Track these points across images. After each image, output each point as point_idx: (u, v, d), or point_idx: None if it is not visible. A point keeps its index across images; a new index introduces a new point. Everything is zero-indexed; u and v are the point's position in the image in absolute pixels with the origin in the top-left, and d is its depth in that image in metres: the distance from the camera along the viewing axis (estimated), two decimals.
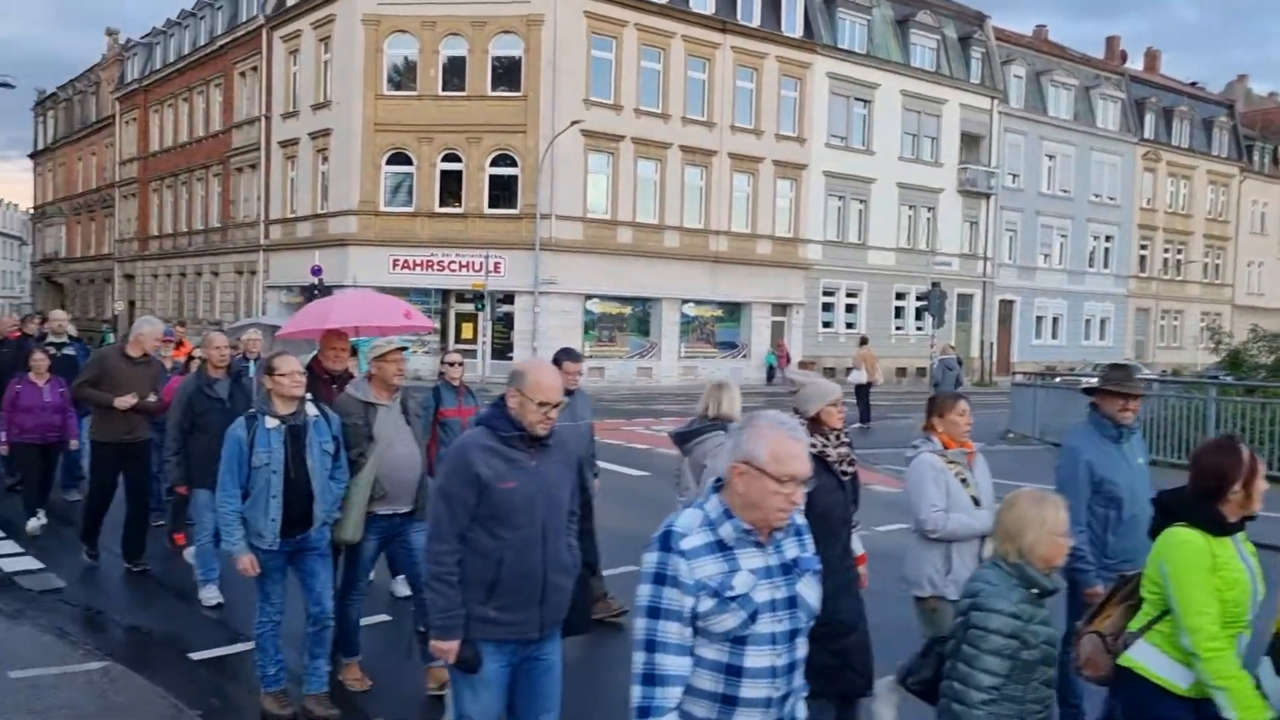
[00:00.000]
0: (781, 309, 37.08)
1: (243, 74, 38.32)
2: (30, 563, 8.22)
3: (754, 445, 2.52)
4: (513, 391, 3.58)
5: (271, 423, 4.97)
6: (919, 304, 36.98)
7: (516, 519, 3.52)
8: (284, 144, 35.34)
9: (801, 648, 2.63)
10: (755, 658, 2.51)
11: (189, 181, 42.83)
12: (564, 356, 6.60)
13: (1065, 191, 46.15)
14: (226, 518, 5.00)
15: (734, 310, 36.19)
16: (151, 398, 7.80)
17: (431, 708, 5.20)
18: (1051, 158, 45.52)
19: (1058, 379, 24.80)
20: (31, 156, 64.90)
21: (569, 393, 6.52)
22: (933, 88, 40.47)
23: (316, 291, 30.27)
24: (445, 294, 31.71)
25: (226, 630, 6.67)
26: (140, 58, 47.75)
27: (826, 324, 38.58)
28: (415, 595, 5.59)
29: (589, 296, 32.40)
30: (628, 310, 33.87)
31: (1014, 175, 44.14)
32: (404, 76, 31.62)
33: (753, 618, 2.49)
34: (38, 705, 5.19)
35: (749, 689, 2.50)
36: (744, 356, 36.19)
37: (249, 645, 6.36)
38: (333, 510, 5.18)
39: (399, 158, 31.47)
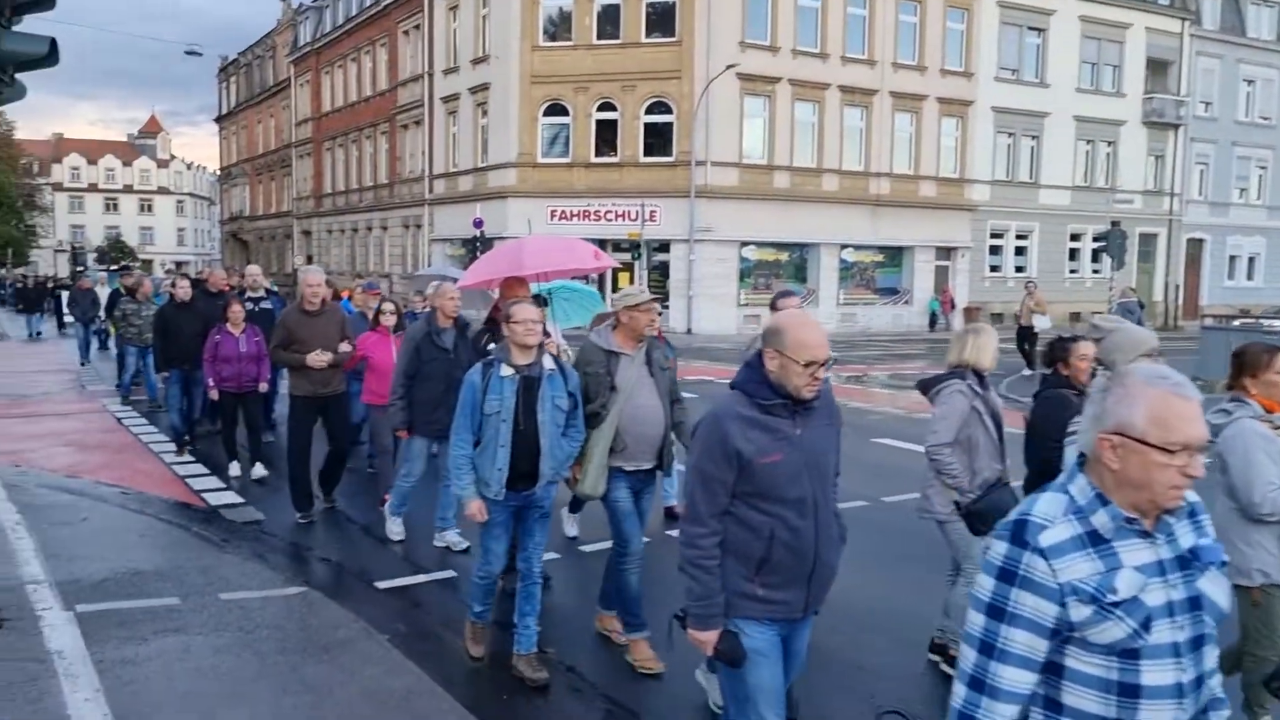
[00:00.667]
0: (946, 253, 35.69)
1: (406, 32, 39.39)
2: (232, 498, 8.80)
3: (1126, 409, 2.04)
4: (771, 352, 3.14)
5: (506, 371, 4.85)
6: (1096, 245, 34.94)
7: (784, 493, 3.17)
8: (446, 100, 36.21)
9: (1210, 658, 2.13)
10: (1154, 674, 2.02)
11: (358, 140, 44.56)
12: (781, 296, 6.38)
13: (1265, 119, 42.39)
14: (458, 461, 4.93)
15: (895, 255, 35.06)
16: (345, 346, 7.87)
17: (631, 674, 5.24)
18: (1250, 83, 41.85)
19: (1261, 322, 22.87)
20: (217, 121, 68.99)
21: None
22: (1116, 11, 37.71)
23: (479, 244, 31.17)
24: (601, 244, 31.65)
25: (409, 564, 6.94)
26: (311, 22, 49.76)
27: (994, 268, 36.93)
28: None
29: (745, 243, 32.01)
30: (784, 257, 33.32)
31: (1206, 103, 40.84)
32: (559, 27, 31.76)
33: (1145, 626, 2.00)
34: (246, 624, 5.52)
35: (1149, 713, 2.02)
36: (906, 303, 35.10)
37: (429, 577, 6.65)
38: (561, 469, 5.02)
39: (555, 109, 31.75)
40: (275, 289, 13.97)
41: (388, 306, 8.62)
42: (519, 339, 4.85)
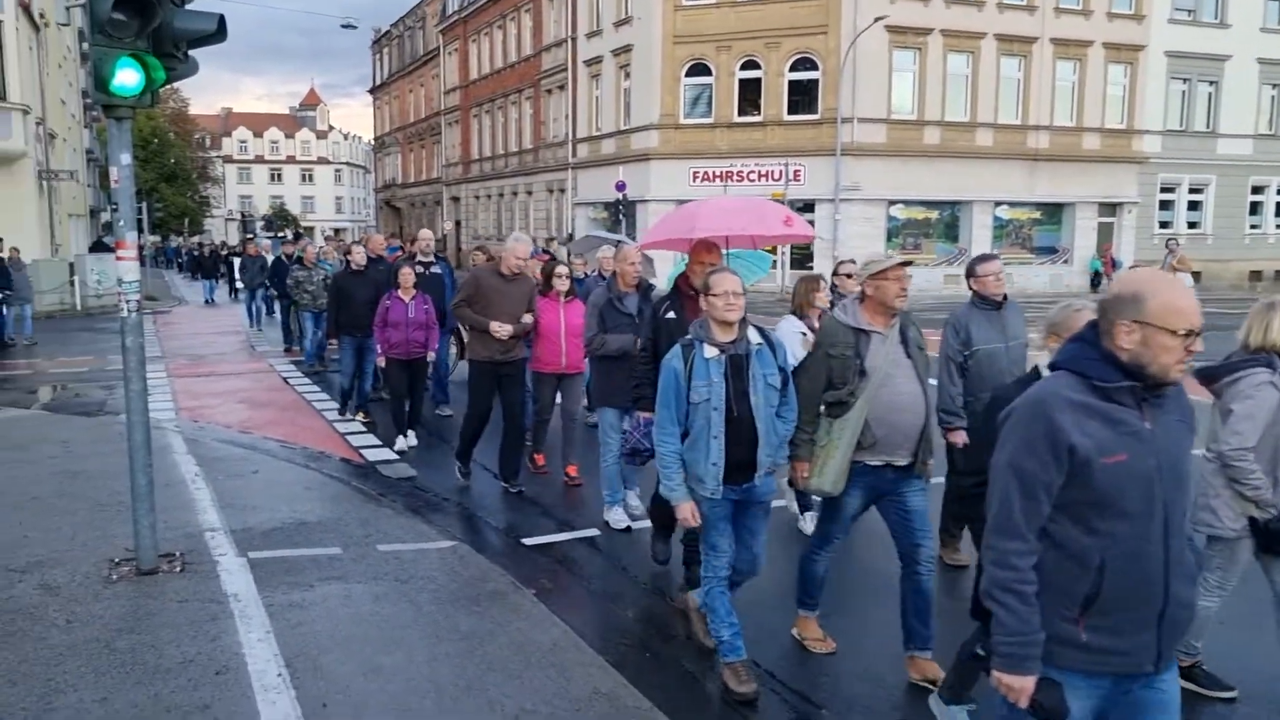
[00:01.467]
0: (1110, 209, 33.76)
1: None
2: (388, 454, 9.19)
3: None
4: (1125, 324, 2.50)
5: (710, 352, 4.30)
6: None
7: (1127, 505, 2.50)
8: (589, 63, 36.40)
9: None
10: None
11: (504, 106, 45.38)
12: (979, 261, 5.91)
13: None
14: (665, 459, 4.39)
15: (1054, 212, 33.39)
16: (527, 317, 7.64)
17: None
18: None
19: None
20: (371, 92, 71.49)
21: (997, 305, 5.79)
22: None
23: (621, 207, 31.37)
24: None
25: (554, 520, 7.09)
26: None
27: (1164, 224, 34.71)
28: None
29: (893, 202, 31.12)
30: (934, 215, 32.22)
31: None
32: None
33: None
34: (402, 574, 5.75)
35: None
36: (1065, 262, 33.43)
37: (574, 534, 6.77)
38: (778, 454, 4.47)
39: (698, 69, 31.47)
40: (443, 255, 14.02)
41: (561, 270, 7.91)
42: (719, 314, 4.30)
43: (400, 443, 9.34)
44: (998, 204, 32.28)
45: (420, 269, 10.28)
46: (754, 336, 4.41)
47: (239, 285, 24.39)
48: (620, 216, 31.93)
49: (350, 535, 6.47)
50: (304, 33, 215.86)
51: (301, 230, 56.50)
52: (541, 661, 4.62)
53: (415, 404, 9.57)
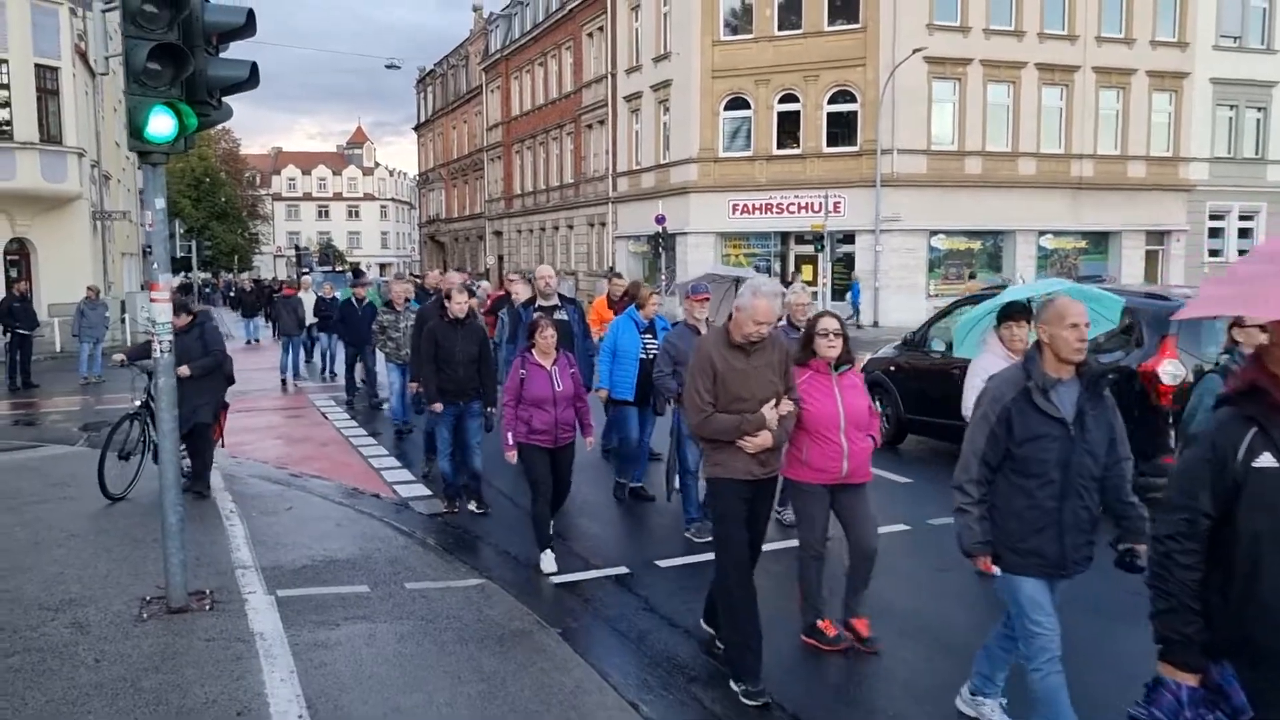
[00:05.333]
0: (1157, 237, 33.25)
1: (590, 34, 40.23)
2: (421, 490, 9.23)
3: None
4: None
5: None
6: None
7: None
8: (628, 98, 36.73)
9: None
10: None
11: (545, 141, 45.89)
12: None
13: None
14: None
15: (1100, 240, 32.94)
16: (787, 406, 4.90)
17: None
18: None
19: None
20: (416, 129, 72.71)
21: None
22: None
23: (661, 240, 31.50)
24: (784, 236, 31.65)
25: (579, 559, 7.05)
26: (501, 29, 51.62)
27: (1214, 252, 34.09)
28: None
29: (934, 232, 30.90)
30: (977, 245, 31.92)
31: None
32: (740, 20, 31.62)
33: None
34: (428, 613, 5.75)
35: None
36: (1001, 288, 32.75)
37: (602, 572, 6.74)
38: None
39: (737, 102, 31.62)
40: (573, 296, 12.32)
41: (830, 326, 5.32)
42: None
43: (547, 561, 6.74)
44: (1041, 233, 31.91)
45: (540, 316, 8.06)
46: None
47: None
48: (660, 250, 32.03)
49: (379, 573, 6.49)
50: (356, 74, 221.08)
51: (362, 267, 56.28)
52: (563, 704, 4.58)
53: (558, 500, 7.13)
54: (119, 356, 9.43)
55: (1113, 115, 32.25)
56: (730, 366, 4.78)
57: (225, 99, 5.81)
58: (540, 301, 9.01)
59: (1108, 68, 31.61)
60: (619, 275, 12.77)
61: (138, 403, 8.99)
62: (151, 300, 5.58)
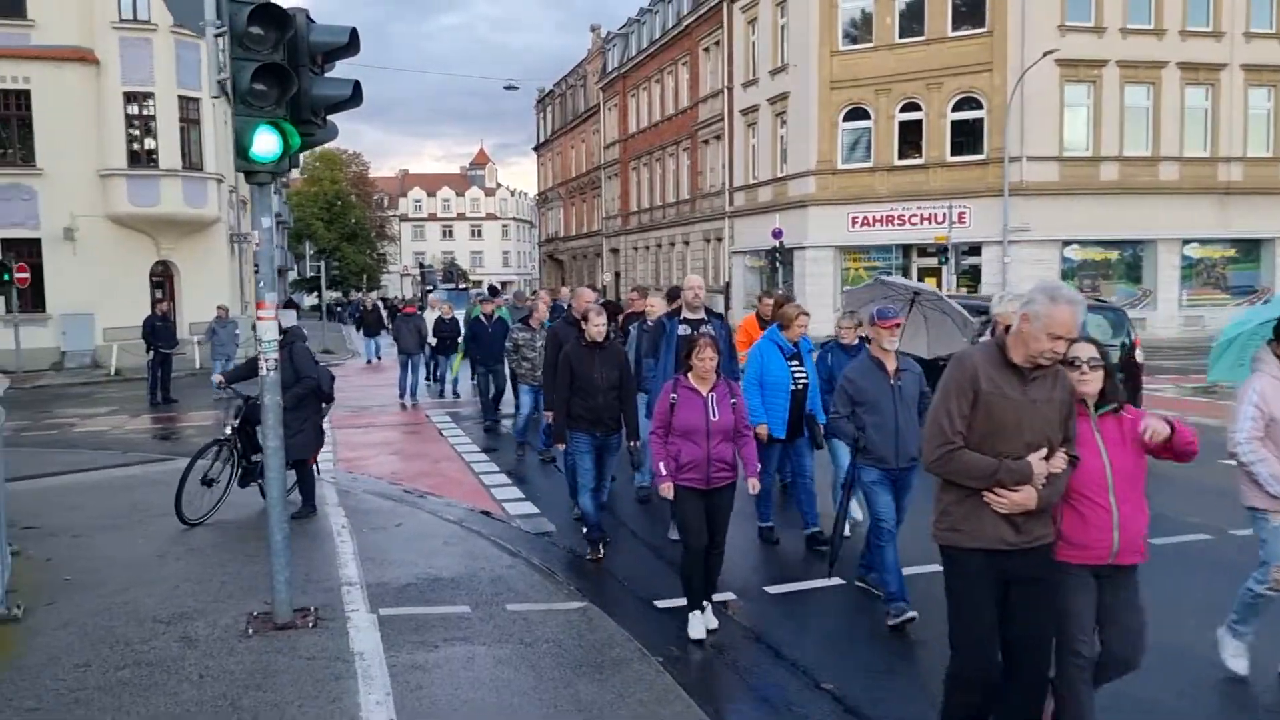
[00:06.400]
0: None
1: (706, 49, 40.18)
2: (529, 508, 9.16)
3: None
4: None
5: None
6: None
7: None
8: (745, 112, 36.47)
9: None
10: None
11: (662, 158, 46.02)
12: None
13: None
14: None
15: (1250, 249, 30.93)
16: (1058, 460, 3.83)
17: None
18: None
19: None
20: (535, 149, 74.07)
21: None
22: None
23: (778, 254, 31.06)
24: (906, 249, 30.80)
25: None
26: (619, 48, 52.14)
27: None
28: None
29: (1067, 242, 29.58)
30: (1114, 255, 30.39)
31: None
32: (859, 29, 31.02)
33: None
34: (527, 636, 5.61)
35: None
36: (1265, 302, 30.60)
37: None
38: None
39: (856, 113, 31.01)
40: (720, 311, 11.40)
41: (1088, 353, 4.10)
42: None
43: (697, 623, 5.82)
44: (1186, 242, 30.17)
45: (687, 330, 7.85)
46: None
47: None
48: (778, 264, 31.60)
49: (481, 593, 6.40)
50: (481, 96, 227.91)
51: (495, 284, 56.20)
52: None
53: (716, 555, 5.96)
54: (217, 378, 9.39)
55: (1263, 115, 30.32)
56: (1000, 394, 3.68)
57: (330, 117, 5.85)
58: (687, 314, 8.21)
59: (1257, 65, 29.73)
60: (770, 294, 11.29)
61: (228, 429, 8.65)
62: (258, 318, 5.63)
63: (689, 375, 5.87)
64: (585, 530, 7.63)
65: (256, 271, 5.54)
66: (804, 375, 7.53)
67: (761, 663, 5.46)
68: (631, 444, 7.64)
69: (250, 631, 5.61)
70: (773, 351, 7.54)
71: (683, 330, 7.95)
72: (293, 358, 8.36)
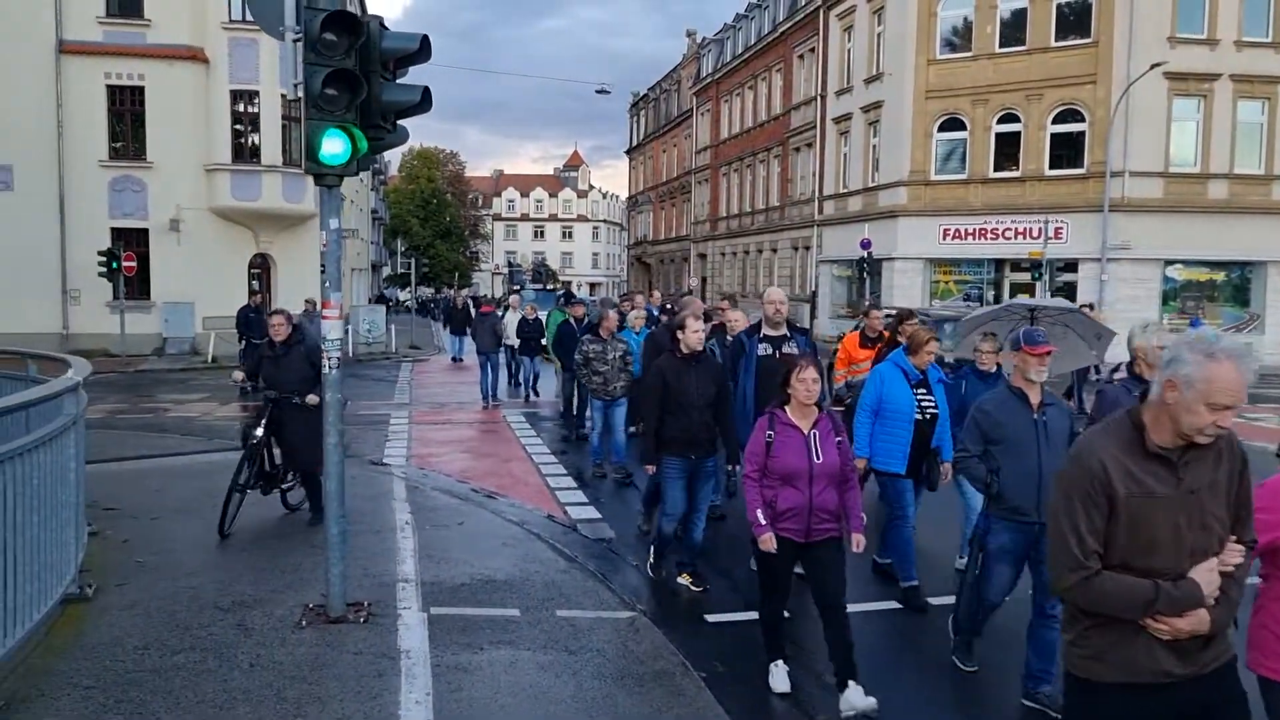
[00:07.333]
0: None
1: (800, 56, 39.82)
2: (591, 513, 9.17)
3: None
4: None
5: None
6: None
7: None
8: (837, 120, 36.02)
9: None
10: None
11: (752, 164, 45.77)
12: None
13: None
14: None
15: None
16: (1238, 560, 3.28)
17: None
18: None
19: None
20: (627, 153, 74.44)
21: None
22: None
23: (866, 265, 30.60)
24: (999, 264, 30.01)
25: (738, 597, 6.73)
26: (713, 53, 52.07)
27: None
28: None
29: (1169, 262, 28.41)
30: (1220, 276, 29.09)
31: None
32: (959, 38, 30.36)
33: None
34: (573, 644, 5.62)
35: None
36: None
37: (755, 615, 6.38)
38: None
39: (951, 124, 30.35)
40: (804, 327, 10.52)
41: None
42: None
43: (778, 677, 5.28)
44: None
45: (769, 349, 7.30)
46: None
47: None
48: (865, 275, 31.13)
49: (533, 597, 6.43)
50: (578, 99, 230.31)
51: (573, 288, 55.49)
52: None
53: (831, 620, 5.04)
54: (238, 374, 8.78)
55: None
56: (1145, 494, 2.77)
57: (407, 121, 5.96)
58: (767, 331, 7.41)
59: None
60: (876, 307, 10.36)
61: (260, 431, 8.08)
62: (323, 318, 5.75)
63: (786, 408, 5.08)
64: (654, 547, 7.17)
65: (323, 271, 5.62)
66: (933, 405, 6.69)
67: (805, 684, 5.34)
68: (732, 467, 6.87)
69: (304, 623, 5.74)
70: (896, 376, 6.74)
71: (763, 350, 7.33)
72: (309, 353, 8.18)
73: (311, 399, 7.92)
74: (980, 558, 5.28)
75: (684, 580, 6.91)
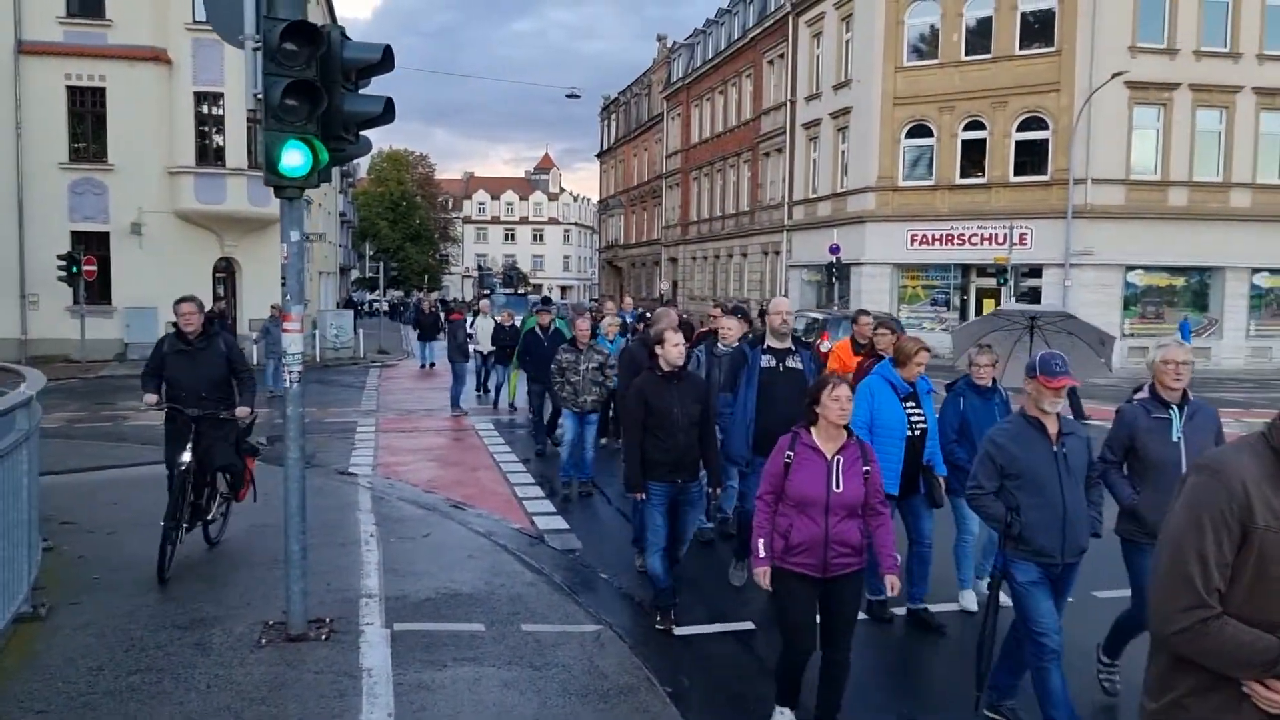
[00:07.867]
0: None
1: (770, 62, 40.01)
2: (559, 523, 9.12)
3: None
4: None
5: None
6: None
7: None
8: (806, 126, 36.22)
9: None
10: None
11: (723, 169, 45.91)
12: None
13: None
14: None
15: None
16: None
17: None
18: None
19: None
20: (598, 156, 74.41)
21: None
22: None
23: (835, 270, 30.77)
24: (965, 269, 30.31)
25: (702, 610, 6.72)
26: (684, 58, 52.18)
27: None
28: None
29: (1130, 267, 28.83)
30: (1179, 282, 29.56)
31: None
32: (926, 46, 30.63)
33: None
34: (537, 660, 5.58)
35: None
36: None
37: (727, 626, 6.40)
38: None
39: (918, 130, 30.62)
40: (808, 341, 9.59)
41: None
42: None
43: None
44: (1256, 270, 29.25)
45: (772, 362, 6.83)
46: None
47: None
48: (834, 280, 31.31)
49: (498, 611, 6.38)
50: (548, 103, 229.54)
51: (546, 292, 54.09)
52: None
53: (838, 668, 4.71)
54: (150, 398, 7.24)
55: None
56: None
57: (364, 131, 5.89)
58: (771, 342, 6.91)
59: None
60: (866, 313, 9.96)
61: (186, 457, 6.99)
62: (284, 330, 5.68)
63: (812, 428, 4.65)
64: (655, 595, 6.45)
65: (284, 284, 5.53)
66: (922, 420, 6.31)
67: (770, 698, 5.34)
68: (713, 490, 6.61)
69: (263, 641, 5.66)
70: (885, 390, 6.29)
71: (766, 362, 6.81)
72: (229, 350, 7.41)
73: (242, 411, 7.24)
74: (993, 599, 4.81)
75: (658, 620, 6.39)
